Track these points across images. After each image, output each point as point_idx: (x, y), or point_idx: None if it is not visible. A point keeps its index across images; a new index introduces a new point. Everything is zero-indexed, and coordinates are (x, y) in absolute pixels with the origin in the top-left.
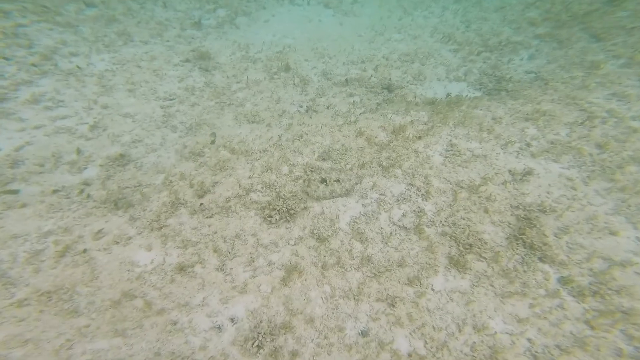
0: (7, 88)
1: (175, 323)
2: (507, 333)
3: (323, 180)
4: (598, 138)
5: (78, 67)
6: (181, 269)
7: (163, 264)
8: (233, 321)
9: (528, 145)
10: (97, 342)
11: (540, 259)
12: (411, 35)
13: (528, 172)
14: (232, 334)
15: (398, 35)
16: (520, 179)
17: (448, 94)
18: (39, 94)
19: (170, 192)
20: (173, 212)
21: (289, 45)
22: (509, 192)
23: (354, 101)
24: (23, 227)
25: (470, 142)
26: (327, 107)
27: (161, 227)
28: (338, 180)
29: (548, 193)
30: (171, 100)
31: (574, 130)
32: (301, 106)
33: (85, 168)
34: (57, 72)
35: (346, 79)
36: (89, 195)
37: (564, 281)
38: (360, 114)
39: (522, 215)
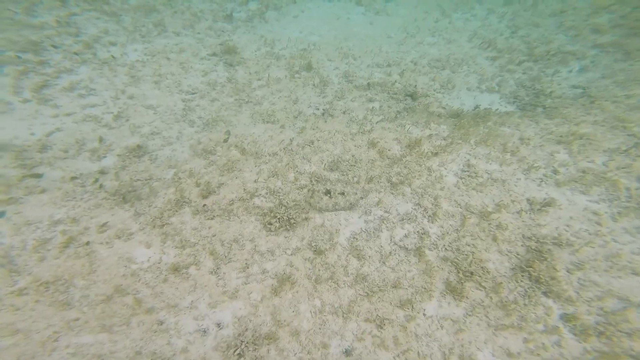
0: (50, 75)
1: (161, 323)
2: None
3: (327, 192)
4: None
5: (113, 56)
6: (176, 269)
7: (159, 263)
8: (219, 326)
9: (555, 172)
10: (83, 336)
11: (545, 294)
12: (446, 39)
13: (548, 203)
14: (216, 339)
15: (431, 39)
16: (538, 210)
17: (476, 106)
18: (76, 82)
19: (177, 189)
20: (177, 211)
21: (314, 43)
22: (523, 221)
23: (372, 107)
24: (38, 213)
25: (490, 164)
26: (344, 112)
27: (163, 225)
28: (343, 193)
29: (567, 226)
30: (193, 94)
31: (613, 159)
32: (317, 109)
33: (105, 157)
34: (94, 61)
35: (368, 83)
36: (101, 185)
37: (567, 318)
38: (377, 122)
39: (534, 247)
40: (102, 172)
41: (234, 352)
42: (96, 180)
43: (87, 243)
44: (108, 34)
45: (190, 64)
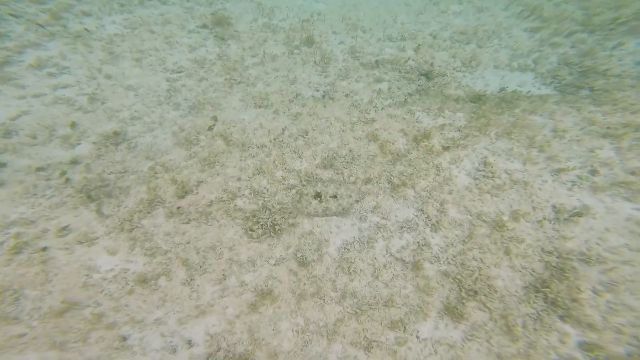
0: (12, 50)
1: (124, 339)
2: None
3: (317, 195)
4: None
5: (86, 29)
6: (144, 280)
7: (125, 272)
8: (189, 344)
9: (593, 172)
10: (27, 354)
11: (562, 318)
12: (477, 6)
13: (579, 213)
14: (185, 358)
15: (457, 7)
16: (565, 219)
17: (502, 88)
18: (45, 59)
19: (150, 188)
20: (149, 212)
21: (318, 12)
22: (544, 233)
23: (380, 89)
24: None
25: (512, 162)
26: (347, 95)
27: (132, 229)
28: (335, 196)
29: (601, 240)
30: (179, 73)
31: None
32: (317, 90)
33: (79, 144)
34: (65, 35)
35: (376, 61)
36: (67, 179)
37: (587, 347)
38: (382, 108)
39: (554, 264)
40: (75, 161)
41: None
42: (63, 172)
43: (44, 249)
44: (80, 2)
45: (176, 38)
